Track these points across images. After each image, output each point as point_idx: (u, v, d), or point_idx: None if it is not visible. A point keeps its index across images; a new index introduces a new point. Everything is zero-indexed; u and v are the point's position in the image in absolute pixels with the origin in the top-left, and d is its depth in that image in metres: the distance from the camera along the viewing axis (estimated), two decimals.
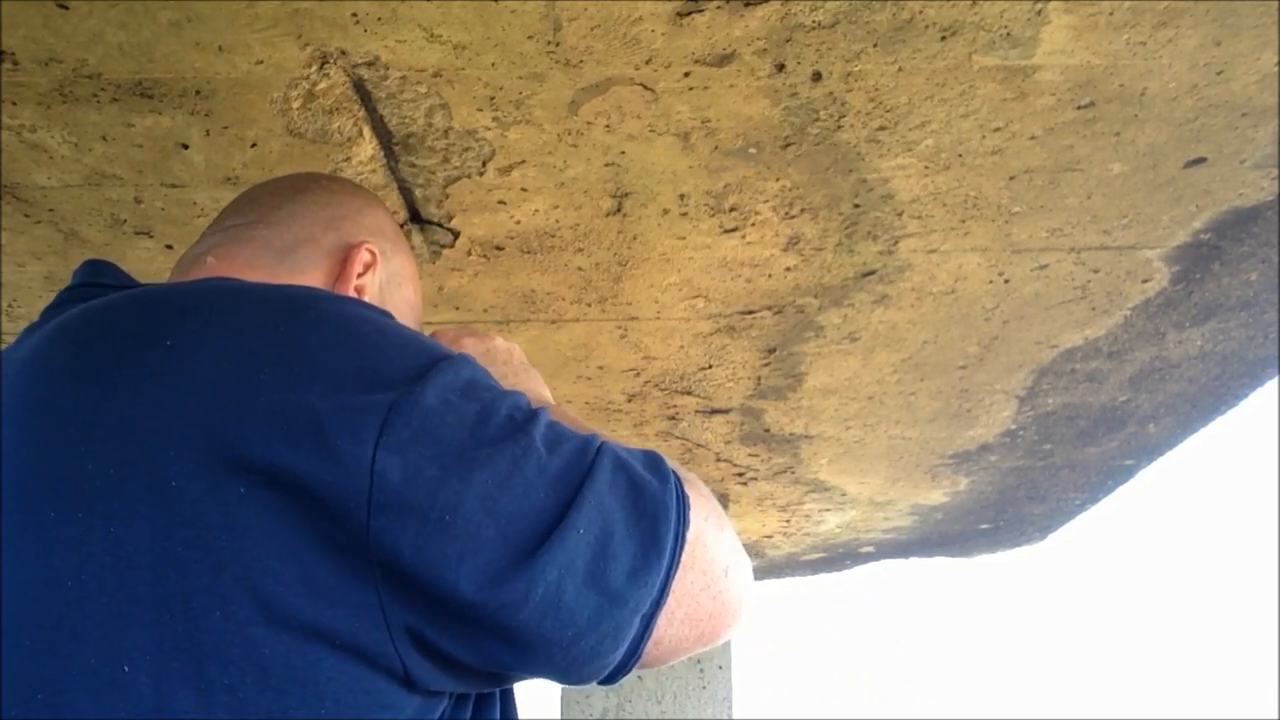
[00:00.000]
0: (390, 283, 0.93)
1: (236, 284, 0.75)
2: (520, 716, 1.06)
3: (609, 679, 0.71)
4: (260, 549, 0.61)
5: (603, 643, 0.67)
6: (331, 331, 0.68)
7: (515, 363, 0.97)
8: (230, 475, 0.61)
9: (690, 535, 0.71)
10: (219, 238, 0.90)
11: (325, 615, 0.61)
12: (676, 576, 0.69)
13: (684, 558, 0.70)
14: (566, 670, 0.68)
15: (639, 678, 3.09)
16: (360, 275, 0.89)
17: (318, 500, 0.61)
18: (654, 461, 0.74)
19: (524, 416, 0.70)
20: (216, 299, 0.71)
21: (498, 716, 0.77)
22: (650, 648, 0.70)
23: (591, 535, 0.66)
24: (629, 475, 0.70)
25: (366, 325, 0.71)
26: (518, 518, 0.65)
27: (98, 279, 0.81)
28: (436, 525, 0.62)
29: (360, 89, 1.36)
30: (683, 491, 0.72)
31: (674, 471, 0.74)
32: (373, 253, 0.91)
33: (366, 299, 0.89)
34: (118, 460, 0.62)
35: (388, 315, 0.76)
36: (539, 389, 0.94)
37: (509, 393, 0.72)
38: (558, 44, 1.28)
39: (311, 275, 0.88)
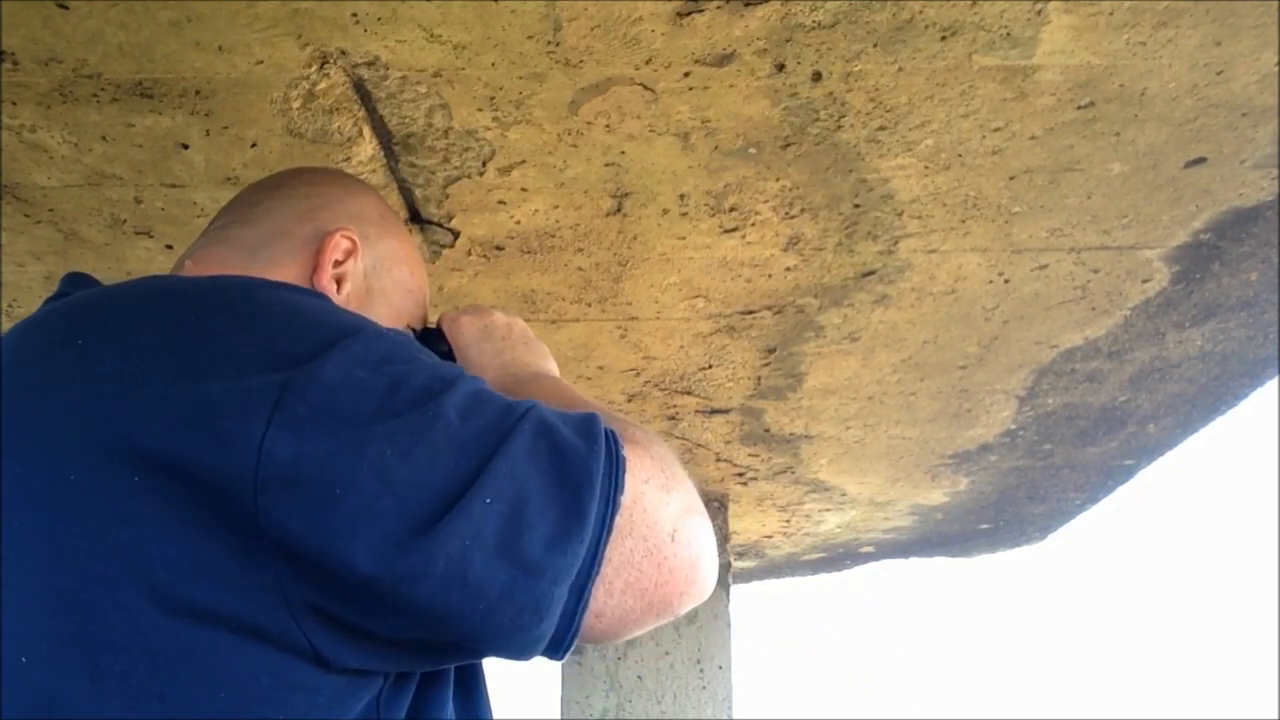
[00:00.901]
0: (378, 267, 0.92)
1: (165, 280, 0.75)
2: (504, 718, 1.04)
3: (551, 653, 0.67)
4: (150, 537, 0.61)
5: (521, 615, 0.64)
6: (236, 316, 0.68)
7: (514, 337, 0.95)
8: (124, 466, 0.62)
9: (626, 499, 0.67)
10: (202, 240, 0.91)
11: (218, 598, 0.61)
12: (610, 544, 0.66)
13: (619, 523, 0.67)
14: (491, 643, 0.66)
15: (639, 678, 3.09)
16: (340, 263, 0.88)
17: (206, 484, 0.61)
18: (586, 424, 0.70)
19: (442, 386, 0.67)
20: (138, 296, 0.72)
21: (449, 718, 0.73)
22: (591, 620, 0.67)
23: (503, 504, 0.63)
24: (553, 440, 0.67)
25: (278, 307, 0.70)
26: (419, 488, 0.62)
27: (73, 290, 0.82)
28: (325, 499, 0.61)
29: (360, 89, 1.36)
30: (617, 454, 0.69)
31: (610, 432, 0.70)
32: (351, 239, 0.89)
33: (347, 287, 0.88)
34: (25, 457, 0.64)
35: (314, 297, 0.75)
36: (539, 362, 0.93)
37: (434, 365, 0.70)
38: (558, 44, 1.28)
39: (285, 268, 0.87)
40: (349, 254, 0.89)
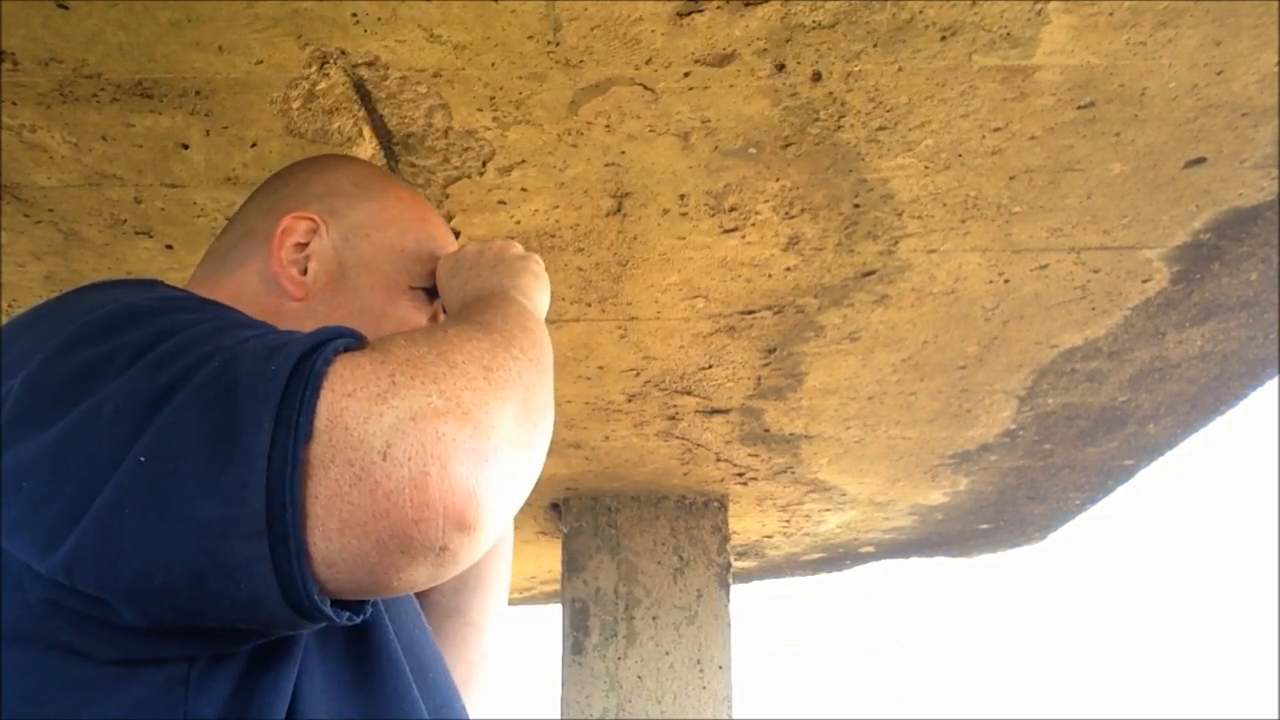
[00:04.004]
0: (353, 236, 0.89)
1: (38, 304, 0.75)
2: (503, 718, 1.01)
3: (310, 617, 0.58)
4: None
5: (207, 580, 0.56)
6: (34, 327, 0.68)
7: (483, 263, 0.88)
8: None
9: (320, 422, 0.57)
10: None
11: None
12: (309, 479, 0.56)
13: (315, 453, 0.56)
14: (217, 618, 0.58)
15: (639, 678, 3.09)
16: (304, 245, 0.87)
17: None
18: (277, 347, 0.60)
19: (155, 343, 0.61)
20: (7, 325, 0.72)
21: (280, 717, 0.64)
22: (324, 572, 0.57)
23: (163, 460, 0.56)
24: (233, 376, 0.58)
25: (67, 307, 0.69)
26: (98, 463, 0.57)
27: None
28: (13, 494, 0.58)
29: (360, 89, 1.36)
30: (311, 370, 0.58)
31: (318, 347, 0.60)
32: (309, 218, 0.87)
33: (315, 266, 0.86)
34: None
35: (122, 287, 0.72)
36: (499, 281, 0.85)
37: (165, 321, 0.64)
38: (558, 44, 1.28)
39: (249, 266, 0.87)
40: (312, 233, 0.87)
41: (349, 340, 0.62)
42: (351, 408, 0.57)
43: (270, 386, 0.57)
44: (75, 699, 0.60)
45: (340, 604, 0.61)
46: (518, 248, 0.91)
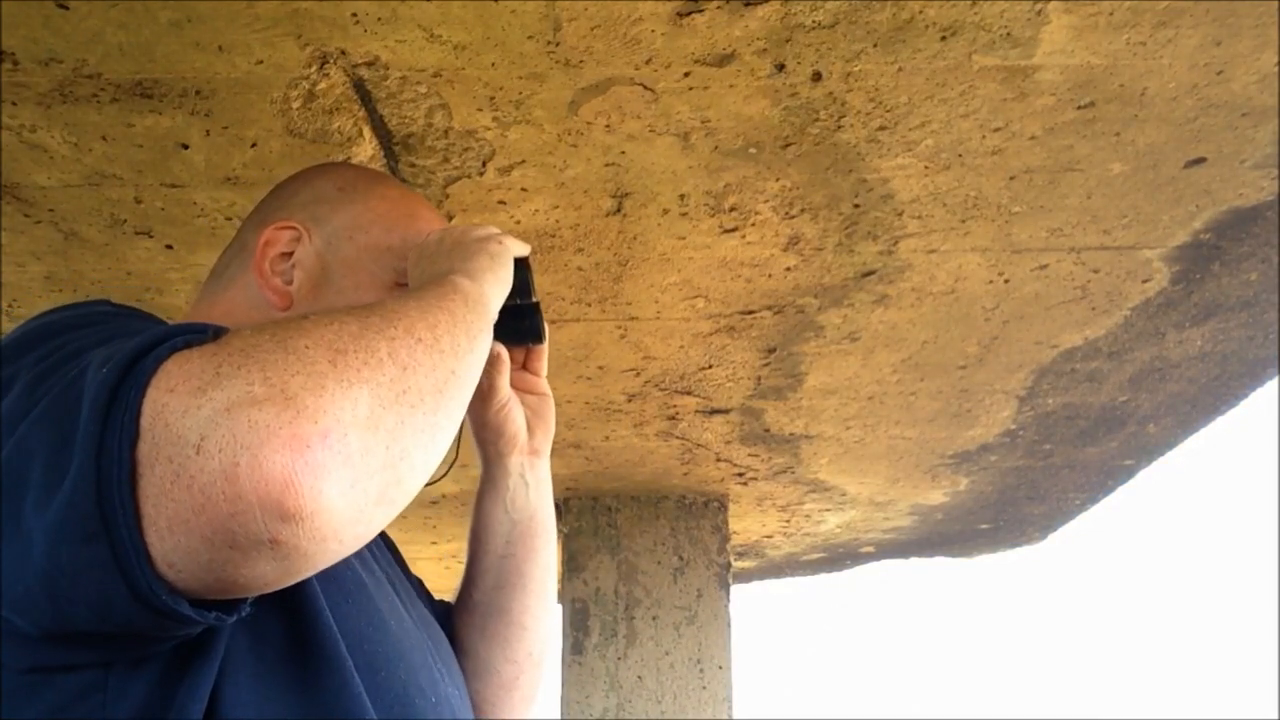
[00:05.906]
0: (335, 240, 0.89)
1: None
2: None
3: (173, 618, 0.59)
4: None
5: (56, 586, 0.57)
6: None
7: (443, 249, 0.86)
8: None
9: (145, 422, 0.56)
10: None
11: None
12: (140, 478, 0.56)
13: (143, 453, 0.56)
14: (83, 624, 0.59)
15: (639, 678, 3.09)
16: (287, 254, 0.88)
17: None
18: (115, 351, 0.60)
19: (42, 360, 0.63)
20: None
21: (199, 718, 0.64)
22: (168, 573, 0.57)
23: (16, 473, 0.58)
24: (81, 384, 0.59)
25: (9, 333, 0.70)
26: None
27: None
28: None
29: (360, 89, 1.36)
30: (140, 369, 0.58)
31: (150, 346, 0.59)
32: (291, 227, 0.88)
33: (299, 274, 0.87)
34: None
35: (59, 312, 0.72)
36: (449, 265, 0.83)
37: (57, 341, 0.65)
38: (558, 44, 1.28)
39: (240, 282, 0.88)
40: (296, 242, 0.88)
41: (190, 337, 0.61)
42: (171, 403, 0.57)
43: (100, 390, 0.57)
44: None
45: (209, 604, 0.60)
46: (482, 230, 0.88)
